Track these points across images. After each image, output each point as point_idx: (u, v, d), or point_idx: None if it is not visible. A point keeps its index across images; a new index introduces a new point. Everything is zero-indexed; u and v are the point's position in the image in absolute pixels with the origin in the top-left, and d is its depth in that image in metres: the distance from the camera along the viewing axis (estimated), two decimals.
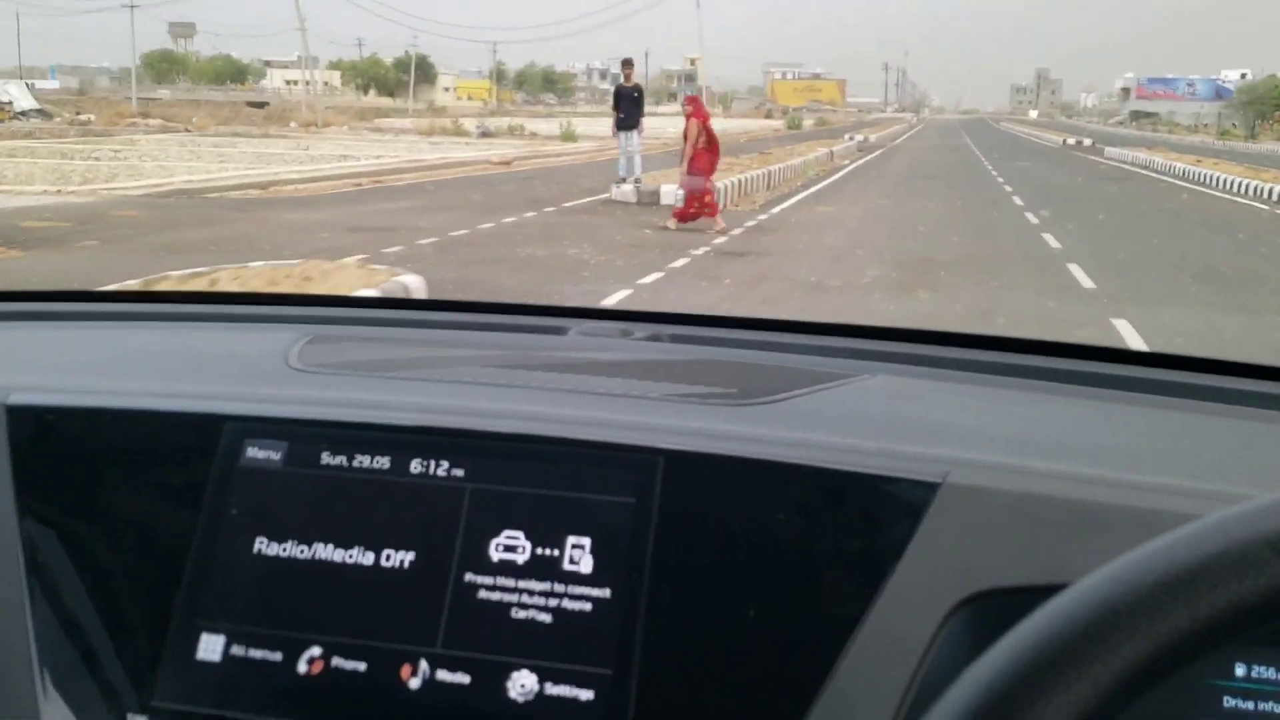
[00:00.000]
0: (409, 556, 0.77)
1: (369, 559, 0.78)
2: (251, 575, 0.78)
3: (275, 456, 0.81)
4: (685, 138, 12.57)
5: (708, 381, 1.01)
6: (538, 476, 0.79)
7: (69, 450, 0.84)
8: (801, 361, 1.08)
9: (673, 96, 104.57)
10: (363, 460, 0.80)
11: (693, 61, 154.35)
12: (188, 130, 35.67)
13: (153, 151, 23.50)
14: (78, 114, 41.27)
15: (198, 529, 0.79)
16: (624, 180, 15.79)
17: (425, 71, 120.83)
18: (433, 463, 0.80)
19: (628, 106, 16.00)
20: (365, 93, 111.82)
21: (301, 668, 0.76)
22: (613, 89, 17.14)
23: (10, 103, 39.48)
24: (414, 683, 0.75)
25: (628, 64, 16.65)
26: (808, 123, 61.46)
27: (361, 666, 0.76)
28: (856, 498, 0.76)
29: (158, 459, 0.83)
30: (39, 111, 40.26)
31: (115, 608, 0.79)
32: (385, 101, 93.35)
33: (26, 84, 45.33)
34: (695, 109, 12.93)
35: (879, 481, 0.76)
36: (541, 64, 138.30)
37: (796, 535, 0.75)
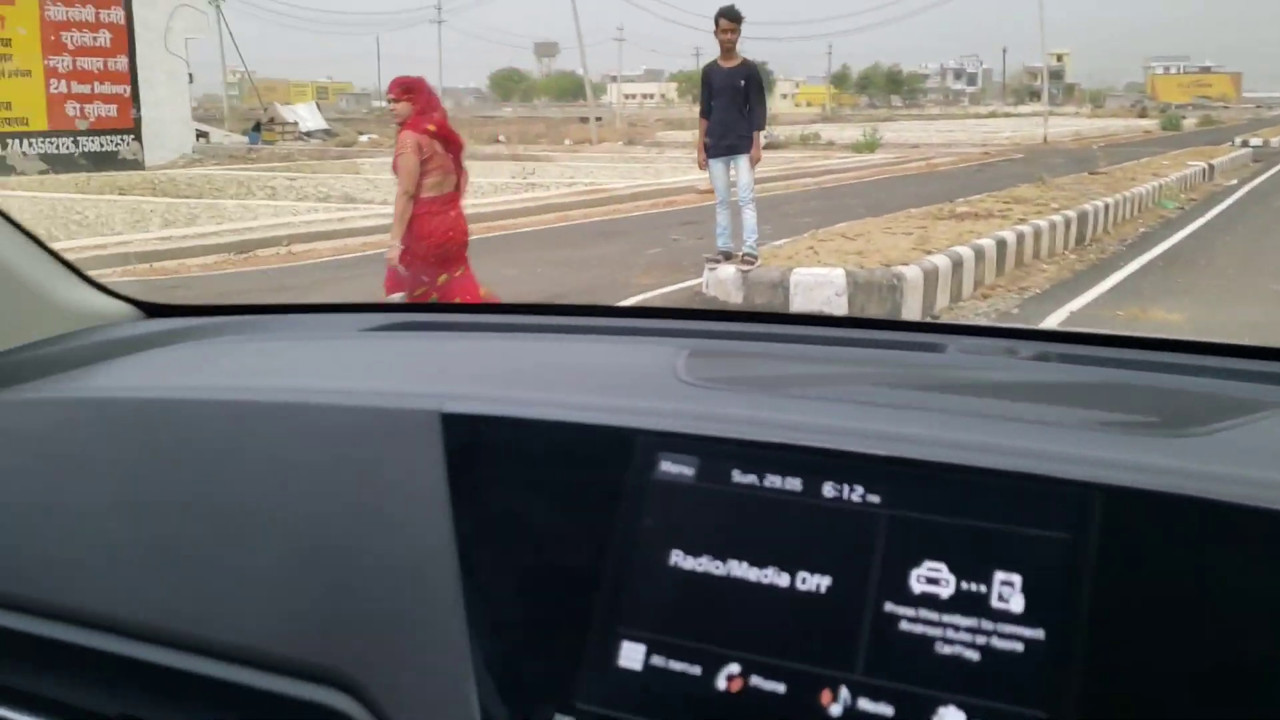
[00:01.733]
0: (824, 580, 0.77)
1: (783, 580, 0.78)
2: (668, 587, 0.80)
3: (687, 472, 0.82)
4: (397, 170, 6.13)
5: (1127, 408, 0.97)
6: (961, 506, 0.77)
7: (497, 457, 0.87)
8: (1220, 387, 1.01)
9: (1035, 95, 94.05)
10: (774, 481, 0.80)
11: (1059, 57, 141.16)
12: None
13: (325, 180, 19.82)
14: (360, 134, 39.96)
15: (614, 538, 0.81)
16: (722, 257, 9.04)
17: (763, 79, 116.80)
18: (847, 487, 0.79)
19: (725, 108, 8.86)
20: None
21: (720, 684, 0.77)
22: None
23: (295, 123, 38.72)
24: (835, 709, 0.75)
25: (729, 18, 8.77)
26: (1189, 122, 51.19)
27: (780, 688, 0.76)
28: None
29: (575, 468, 0.85)
30: (325, 132, 39.41)
31: (539, 608, 0.82)
32: None
33: (316, 104, 44.68)
34: (414, 104, 6.25)
35: None
36: (886, 65, 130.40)
37: (1258, 584, 0.70)
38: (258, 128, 35.98)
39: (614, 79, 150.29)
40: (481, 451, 0.89)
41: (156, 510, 0.94)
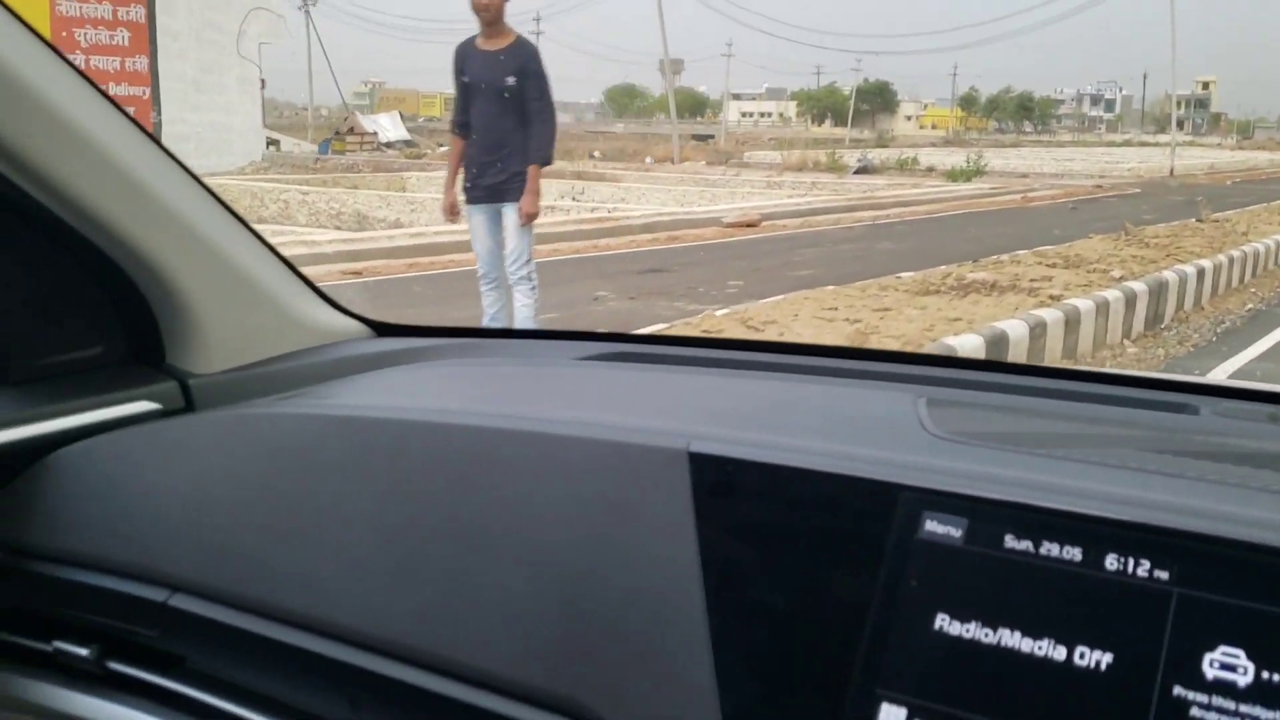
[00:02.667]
0: (1105, 657, 0.73)
1: (1059, 653, 0.74)
2: (933, 651, 0.77)
3: (955, 533, 0.79)
4: None
5: None
6: (1259, 589, 0.72)
7: (747, 501, 0.86)
8: None
9: (1180, 124, 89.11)
10: (1051, 549, 0.77)
11: (1206, 85, 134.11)
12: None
13: (352, 196, 18.17)
14: (439, 145, 38.74)
15: (874, 596, 0.79)
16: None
17: (886, 99, 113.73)
18: (1132, 560, 0.75)
19: (489, 122, 5.81)
20: (820, 123, 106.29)
21: None
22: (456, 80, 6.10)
23: (374, 133, 37.67)
24: None
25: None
26: None
27: None
28: None
29: (832, 519, 0.83)
30: (405, 142, 38.38)
31: (791, 658, 0.80)
32: (839, 132, 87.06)
33: (400, 115, 43.63)
34: None
35: None
36: (1019, 89, 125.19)
37: None
38: (338, 136, 35.21)
39: (736, 96, 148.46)
40: (731, 494, 0.86)
41: (402, 529, 0.95)
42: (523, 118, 5.82)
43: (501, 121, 5.82)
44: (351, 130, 36.70)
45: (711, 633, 0.81)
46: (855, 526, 0.82)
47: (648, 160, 35.90)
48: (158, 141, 1.11)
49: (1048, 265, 9.35)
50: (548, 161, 6.04)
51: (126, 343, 1.19)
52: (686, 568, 0.84)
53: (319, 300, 1.33)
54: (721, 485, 0.87)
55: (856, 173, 29.78)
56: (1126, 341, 7.75)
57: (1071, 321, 7.08)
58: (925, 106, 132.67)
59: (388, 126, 38.80)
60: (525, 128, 5.83)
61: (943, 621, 0.77)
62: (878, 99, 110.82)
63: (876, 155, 35.79)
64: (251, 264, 1.22)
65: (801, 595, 0.81)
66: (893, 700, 0.76)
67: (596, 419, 0.98)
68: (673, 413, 1.04)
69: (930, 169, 30.34)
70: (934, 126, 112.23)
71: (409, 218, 16.19)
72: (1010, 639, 0.75)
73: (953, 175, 26.30)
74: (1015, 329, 6.45)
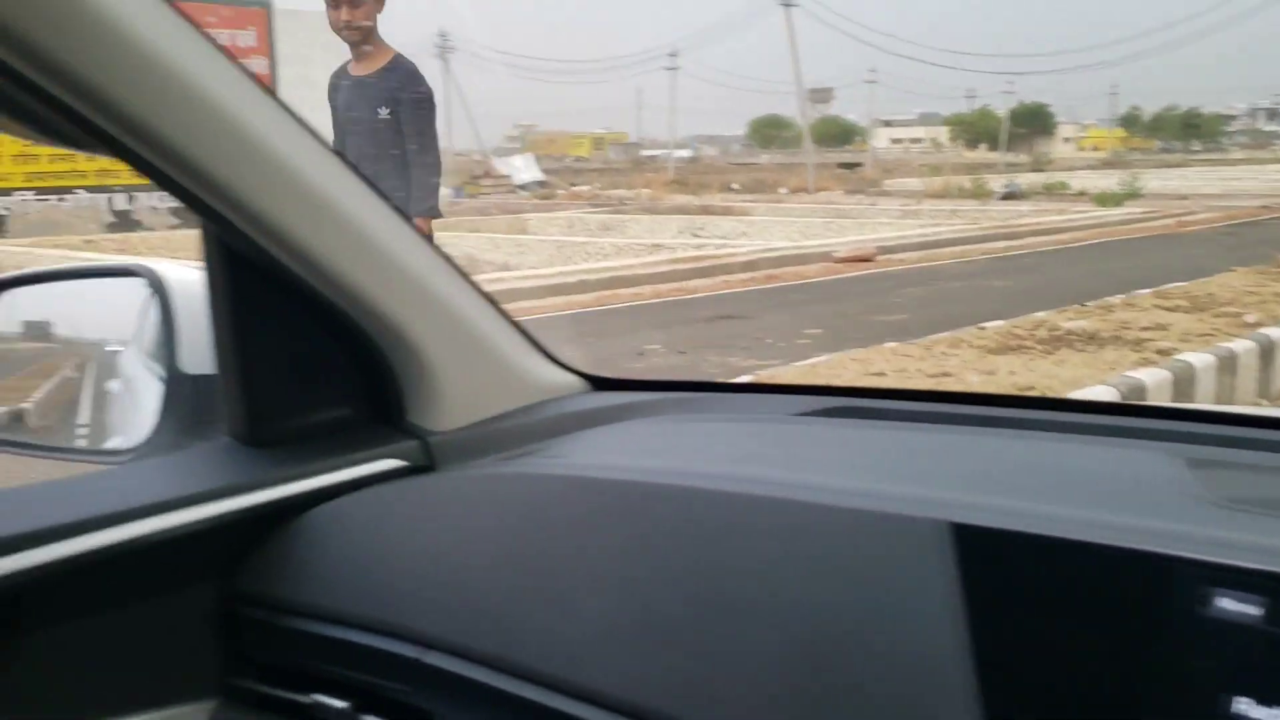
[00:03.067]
0: None
1: None
2: None
3: (1252, 611, 0.74)
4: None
5: None
6: None
7: (1015, 576, 0.83)
8: None
9: None
10: None
11: None
12: (617, 202, 30.41)
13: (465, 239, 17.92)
14: (572, 185, 38.68)
15: (1160, 680, 0.76)
16: None
17: (1043, 122, 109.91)
18: None
19: (364, 158, 4.75)
20: (973, 148, 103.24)
21: None
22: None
23: (508, 176, 37.90)
24: None
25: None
26: None
27: None
28: None
29: (1109, 597, 0.79)
30: (539, 184, 38.48)
31: None
32: (992, 156, 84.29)
33: (535, 157, 43.82)
34: None
35: None
36: (1184, 105, 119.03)
37: None
38: (473, 180, 35.50)
39: (887, 123, 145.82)
40: (999, 569, 0.84)
41: (647, 591, 0.96)
42: (404, 158, 4.84)
43: (379, 164, 4.80)
44: (486, 173, 37.06)
45: (984, 714, 0.78)
46: (1137, 605, 0.78)
47: (782, 191, 35.01)
48: (395, 207, 1.15)
49: (1168, 309, 8.00)
50: (434, 213, 5.07)
51: (369, 403, 1.24)
52: (952, 645, 0.81)
53: (540, 355, 1.36)
54: (989, 560, 0.84)
55: (1003, 198, 28.27)
56: (1264, 402, 6.34)
57: (1182, 382, 5.78)
58: (1085, 128, 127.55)
59: (521, 168, 39.01)
60: (407, 168, 4.85)
61: (1242, 706, 0.72)
62: (1034, 121, 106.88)
63: (1026, 180, 34.02)
64: (481, 321, 1.26)
65: (1081, 680, 0.78)
66: None
67: (842, 484, 0.99)
68: (919, 477, 1.02)
69: (1081, 193, 28.56)
70: (1095, 148, 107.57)
71: (517, 259, 15.77)
72: None
73: (1101, 200, 24.58)
74: (1102, 397, 5.11)
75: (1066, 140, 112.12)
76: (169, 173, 0.97)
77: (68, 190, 18.83)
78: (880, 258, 13.64)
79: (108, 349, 1.57)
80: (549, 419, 1.29)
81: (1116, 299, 8.67)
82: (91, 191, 19.00)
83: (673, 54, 71.70)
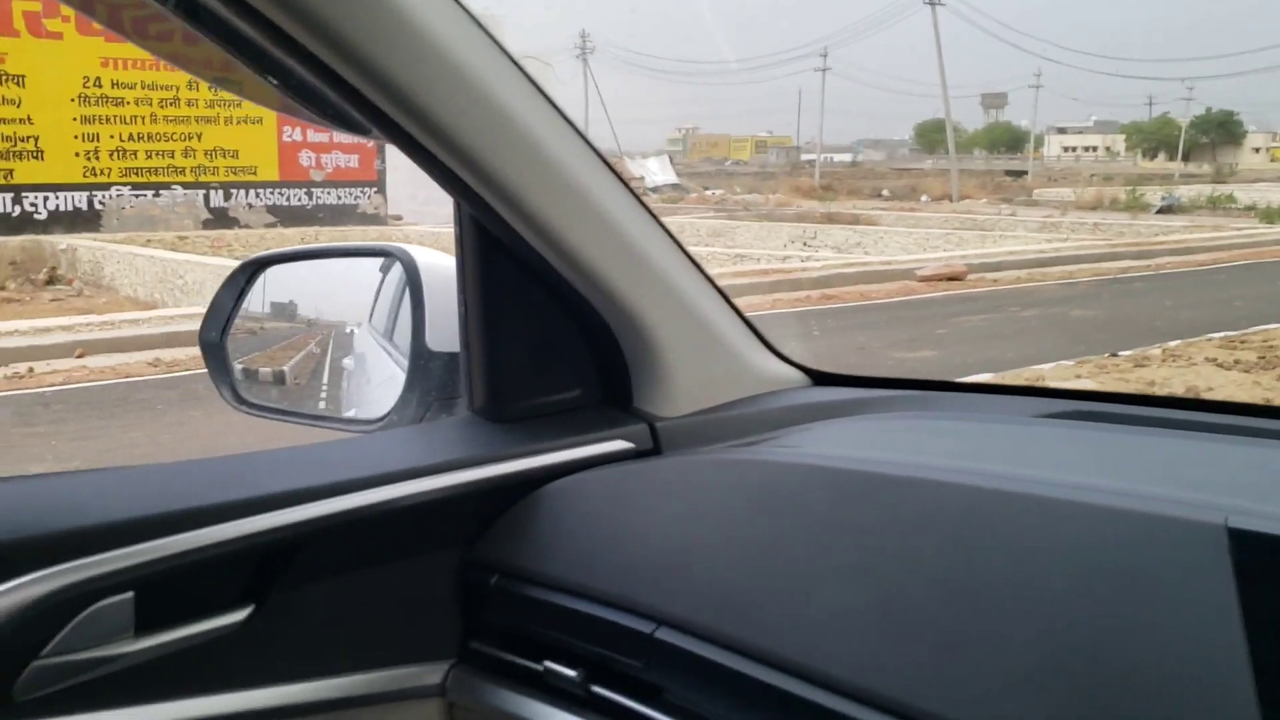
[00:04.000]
0: None
1: None
2: None
3: None
4: None
5: None
6: None
7: None
8: None
9: None
10: None
11: None
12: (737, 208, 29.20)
13: None
14: (705, 189, 37.74)
15: None
16: None
17: (1230, 131, 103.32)
18: None
19: None
20: (1151, 158, 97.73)
21: None
22: None
23: (642, 178, 37.22)
24: None
25: None
26: None
27: None
28: None
29: None
30: (673, 186, 37.70)
31: None
32: (1171, 166, 79.50)
33: (669, 158, 43.04)
34: None
35: None
36: None
37: None
38: None
39: (1060, 130, 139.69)
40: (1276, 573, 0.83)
41: (894, 582, 0.95)
42: None
43: None
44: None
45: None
46: None
47: (923, 199, 33.27)
48: (636, 194, 1.18)
49: (1219, 363, 6.39)
50: None
51: (601, 387, 1.28)
52: (1229, 657, 0.78)
53: (764, 348, 1.37)
54: (1268, 565, 0.82)
55: (1160, 211, 25.99)
56: None
57: None
58: (1276, 137, 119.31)
59: (655, 170, 38.44)
60: None
61: None
62: (1220, 130, 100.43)
63: (1193, 192, 31.33)
64: (710, 311, 1.29)
65: None
66: None
67: (1104, 484, 0.96)
68: (1183, 483, 0.99)
69: (1251, 207, 25.99)
70: None
71: None
72: None
73: (1267, 215, 22.22)
74: None
75: (1256, 150, 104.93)
76: (440, 156, 1.05)
77: (164, 186, 18.92)
78: (973, 276, 12.20)
79: (354, 324, 1.64)
80: (773, 410, 1.30)
81: (1175, 343, 7.18)
82: (187, 188, 19.01)
83: (823, 54, 69.69)
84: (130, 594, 1.02)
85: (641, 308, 1.21)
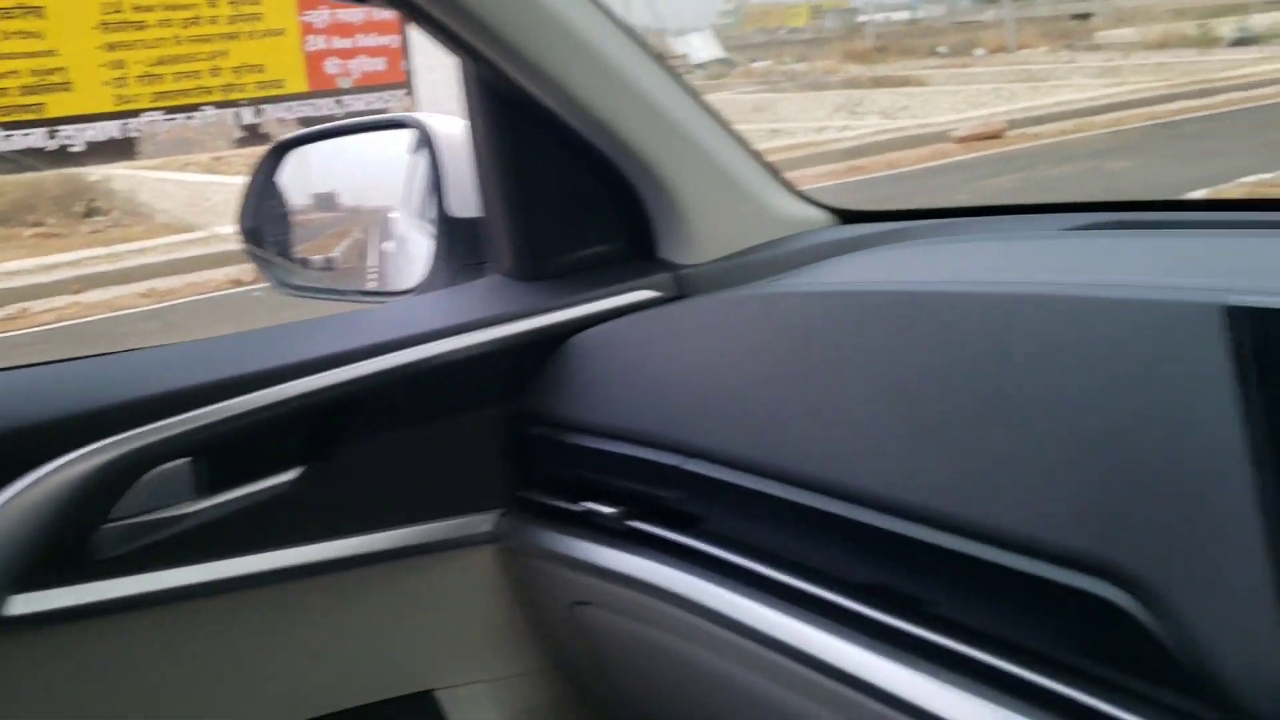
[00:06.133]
0: None
1: None
2: None
3: None
4: None
5: None
6: None
7: None
8: None
9: None
10: None
11: None
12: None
13: None
14: (753, 61, 36.57)
15: None
16: None
17: None
18: None
19: None
20: None
21: None
22: None
23: (686, 55, 36.13)
24: None
25: None
26: None
27: None
28: None
29: None
30: (720, 61, 36.50)
31: None
32: None
33: (713, 32, 41.65)
34: None
35: None
36: None
37: None
38: None
39: None
40: (1272, 349, 0.83)
41: (920, 398, 0.96)
42: None
43: None
44: (662, 54, 35.42)
45: (1263, 504, 0.77)
46: None
47: (978, 53, 31.79)
48: (651, 51, 1.22)
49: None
50: None
51: (626, 241, 1.32)
52: (1231, 432, 0.79)
53: (787, 192, 1.38)
54: (1265, 341, 0.83)
55: (1232, 44, 24.49)
56: None
57: None
58: None
59: (699, 46, 37.11)
60: None
61: None
62: None
63: (1264, 20, 29.52)
64: (730, 159, 1.30)
65: None
66: None
67: (1108, 279, 0.96)
68: (1197, 272, 0.99)
69: None
70: None
71: None
72: None
73: None
74: None
75: None
76: (440, 18, 1.07)
77: (194, 107, 18.75)
78: (1014, 132, 11.52)
79: (384, 198, 1.66)
80: (797, 251, 1.31)
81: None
82: (219, 107, 18.83)
83: None
84: (190, 459, 1.09)
85: (655, 156, 1.23)
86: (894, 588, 0.95)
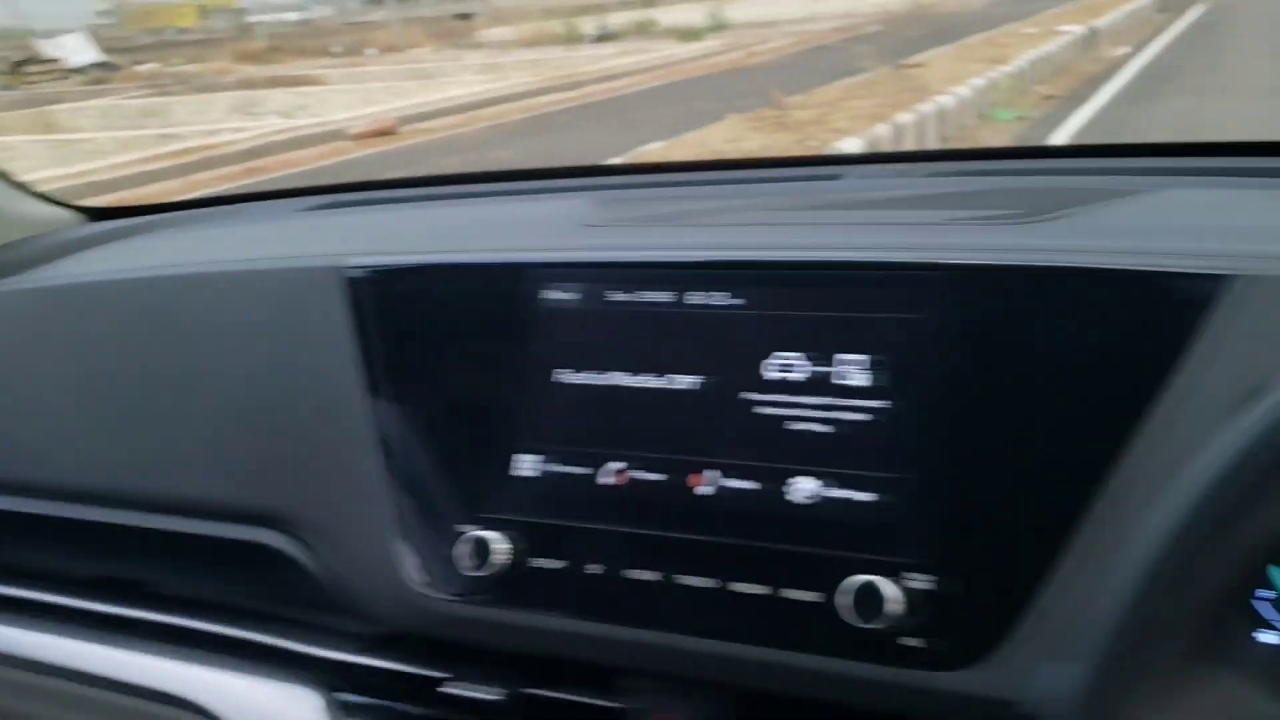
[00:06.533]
0: (692, 380, 0.84)
1: (657, 383, 0.84)
2: (557, 402, 0.86)
3: (571, 296, 0.87)
4: None
5: (990, 205, 1.00)
6: (817, 300, 0.82)
7: (396, 304, 0.92)
8: (1089, 182, 1.07)
9: None
10: (647, 295, 0.86)
11: None
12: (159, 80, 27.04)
13: None
14: (141, 64, 34.25)
15: (507, 364, 0.87)
16: None
17: None
18: (713, 293, 0.84)
19: None
20: None
21: (607, 480, 0.85)
22: None
23: (60, 59, 32.90)
24: (705, 489, 0.82)
25: None
26: None
27: (658, 477, 0.83)
28: (1143, 297, 0.75)
29: (472, 305, 0.90)
30: (100, 65, 33.66)
31: (444, 436, 0.87)
32: None
33: (89, 33, 38.57)
34: None
35: (1166, 278, 0.75)
36: None
37: (1081, 340, 0.76)
38: (16, 70, 30.59)
39: None
40: (382, 300, 0.92)
41: (100, 383, 0.99)
42: None
43: None
44: (31, 59, 31.93)
45: (377, 430, 0.87)
46: (489, 306, 0.88)
47: (369, 53, 32.34)
48: None
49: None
50: None
51: None
52: (350, 375, 0.88)
53: (23, 193, 1.35)
54: (374, 294, 0.91)
55: (595, 41, 27.19)
56: None
57: None
58: None
59: (75, 49, 33.92)
60: None
61: (564, 375, 0.85)
62: None
63: (622, 19, 33.06)
64: None
65: (448, 378, 0.87)
66: (526, 450, 0.85)
67: (264, 255, 1.03)
68: (345, 240, 1.09)
69: (673, 30, 27.88)
70: None
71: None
72: (618, 379, 0.84)
73: (684, 35, 24.04)
74: None
75: None
76: None
77: None
78: (407, 128, 12.05)
79: None
80: (33, 252, 1.28)
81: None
82: None
83: None
84: None
85: None
86: (116, 576, 1.01)
